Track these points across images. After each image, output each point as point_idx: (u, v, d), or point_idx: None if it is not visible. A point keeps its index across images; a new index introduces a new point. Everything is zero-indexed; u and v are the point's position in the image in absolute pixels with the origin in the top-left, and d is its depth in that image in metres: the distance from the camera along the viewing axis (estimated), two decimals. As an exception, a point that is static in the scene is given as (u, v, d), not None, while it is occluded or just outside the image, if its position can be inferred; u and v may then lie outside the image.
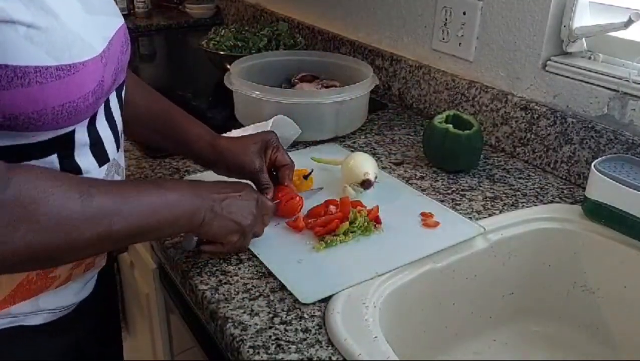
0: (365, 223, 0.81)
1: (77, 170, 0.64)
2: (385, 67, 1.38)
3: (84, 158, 0.65)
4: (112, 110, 0.70)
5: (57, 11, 0.56)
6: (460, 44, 1.19)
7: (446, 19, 1.20)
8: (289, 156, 0.87)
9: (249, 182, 0.80)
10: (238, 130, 1.02)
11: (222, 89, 1.15)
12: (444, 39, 1.22)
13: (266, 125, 1.01)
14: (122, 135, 0.75)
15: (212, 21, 2.11)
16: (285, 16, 1.76)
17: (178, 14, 2.20)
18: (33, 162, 0.60)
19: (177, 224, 0.66)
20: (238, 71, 1.18)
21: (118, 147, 0.72)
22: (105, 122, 0.68)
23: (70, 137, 0.62)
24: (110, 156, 0.69)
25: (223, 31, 1.55)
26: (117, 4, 0.73)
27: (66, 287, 0.70)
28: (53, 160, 0.61)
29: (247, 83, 1.10)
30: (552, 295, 0.90)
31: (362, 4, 1.44)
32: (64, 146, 0.62)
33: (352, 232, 0.80)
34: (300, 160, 0.98)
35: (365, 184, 0.90)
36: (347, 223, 0.80)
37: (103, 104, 0.67)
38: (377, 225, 0.83)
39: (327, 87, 1.22)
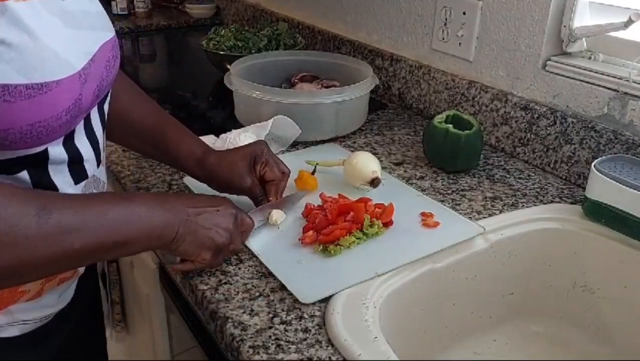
0: (376, 229, 0.80)
1: (52, 187, 0.61)
2: (385, 67, 1.38)
3: (60, 176, 0.62)
4: (93, 125, 0.67)
5: (33, 28, 0.54)
6: (460, 43, 1.19)
7: (446, 19, 1.20)
8: (282, 166, 0.84)
9: (226, 195, 0.78)
10: (238, 130, 1.02)
11: (222, 89, 1.15)
12: (443, 38, 1.22)
13: (266, 126, 1.01)
14: (104, 149, 0.72)
15: (212, 21, 2.11)
16: (285, 16, 1.76)
17: (178, 14, 2.20)
18: (3, 177, 0.57)
19: (148, 240, 0.62)
20: (238, 71, 1.18)
21: (99, 163, 0.69)
22: (86, 139, 0.65)
23: (43, 154, 0.59)
24: (89, 173, 0.67)
25: (223, 31, 1.56)
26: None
27: (39, 301, 0.67)
28: (24, 176, 0.59)
29: (247, 83, 1.10)
30: (552, 295, 0.90)
31: (362, 4, 1.44)
32: (36, 163, 0.59)
33: (358, 238, 0.79)
34: (300, 160, 0.99)
35: (375, 182, 0.89)
36: (353, 237, 0.78)
37: (83, 120, 0.64)
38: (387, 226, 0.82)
39: (327, 87, 1.22)
